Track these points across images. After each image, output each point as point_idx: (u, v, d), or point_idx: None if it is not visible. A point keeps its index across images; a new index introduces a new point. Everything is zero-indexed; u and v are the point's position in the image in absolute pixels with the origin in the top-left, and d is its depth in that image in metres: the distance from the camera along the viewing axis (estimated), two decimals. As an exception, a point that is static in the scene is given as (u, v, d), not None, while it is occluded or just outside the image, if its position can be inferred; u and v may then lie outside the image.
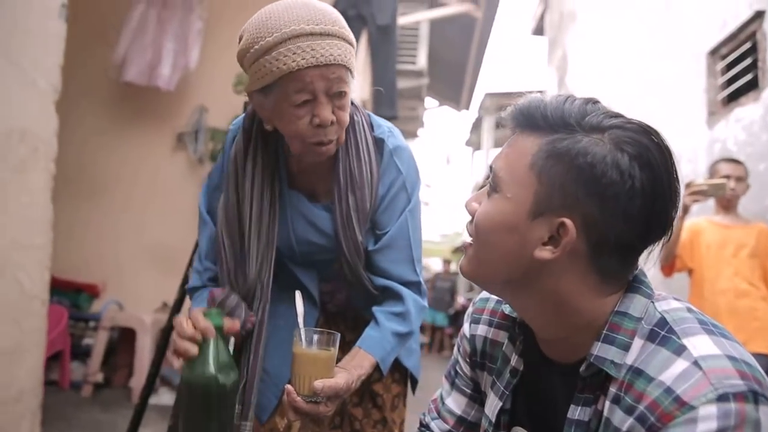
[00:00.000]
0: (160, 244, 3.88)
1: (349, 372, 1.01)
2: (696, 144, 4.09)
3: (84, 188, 4.07)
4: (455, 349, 0.97)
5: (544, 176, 0.67)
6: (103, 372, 3.64)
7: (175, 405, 1.26)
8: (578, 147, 0.65)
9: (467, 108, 10.31)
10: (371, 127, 1.19)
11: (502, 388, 0.82)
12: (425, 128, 10.17)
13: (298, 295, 1.07)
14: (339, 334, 0.97)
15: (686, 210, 2.52)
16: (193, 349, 0.95)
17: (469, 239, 0.76)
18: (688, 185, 2.49)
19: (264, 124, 1.10)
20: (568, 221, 0.65)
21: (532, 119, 0.69)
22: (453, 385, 0.96)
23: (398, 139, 1.20)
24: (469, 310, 0.94)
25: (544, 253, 0.67)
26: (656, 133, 0.67)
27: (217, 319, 0.98)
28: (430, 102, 9.38)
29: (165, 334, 1.90)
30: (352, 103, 1.14)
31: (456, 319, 10.40)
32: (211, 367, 0.94)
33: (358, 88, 4.29)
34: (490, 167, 0.74)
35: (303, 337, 0.96)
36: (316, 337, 0.96)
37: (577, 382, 0.70)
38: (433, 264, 17.21)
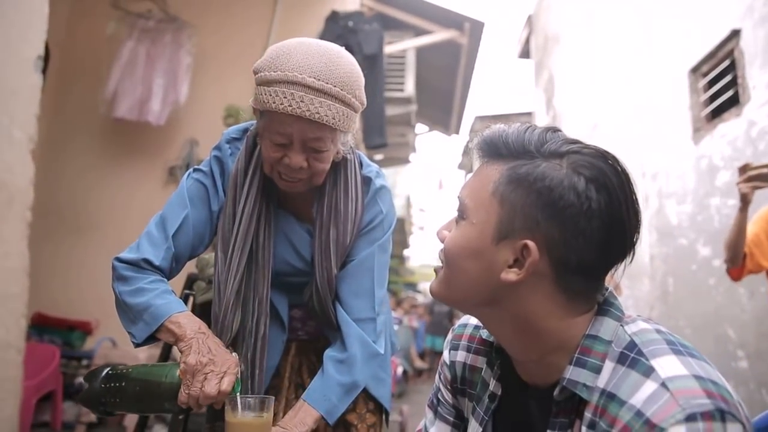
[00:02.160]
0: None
1: None
2: (684, 160, 4.14)
3: (77, 224, 4.06)
4: (437, 376, 0.97)
5: (505, 201, 0.69)
6: (96, 411, 3.58)
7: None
8: (537, 172, 0.67)
9: (457, 132, 10.39)
10: (360, 165, 1.23)
11: (482, 414, 0.82)
12: (417, 154, 10.24)
13: (234, 355, 1.03)
14: (273, 398, 0.98)
15: (745, 200, 2.02)
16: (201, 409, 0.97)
17: (440, 264, 0.78)
18: (743, 168, 2.01)
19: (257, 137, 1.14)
20: (530, 243, 0.67)
21: (495, 148, 0.72)
22: (436, 413, 0.95)
23: (384, 180, 1.25)
24: (449, 337, 0.94)
25: (510, 275, 0.69)
26: (614, 158, 0.69)
27: (237, 389, 0.98)
28: (419, 128, 9.46)
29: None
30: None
31: (455, 344, 10.26)
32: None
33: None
34: (458, 196, 0.76)
35: (238, 404, 0.94)
36: (249, 402, 0.95)
37: (552, 406, 0.70)
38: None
